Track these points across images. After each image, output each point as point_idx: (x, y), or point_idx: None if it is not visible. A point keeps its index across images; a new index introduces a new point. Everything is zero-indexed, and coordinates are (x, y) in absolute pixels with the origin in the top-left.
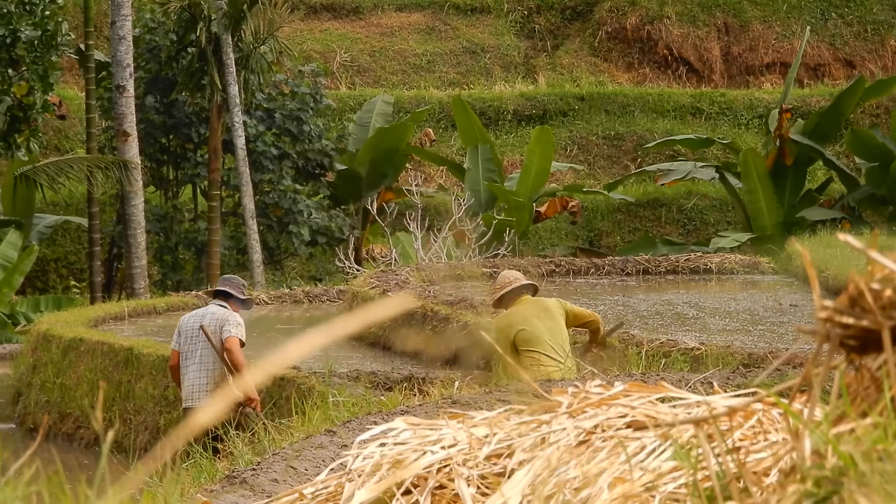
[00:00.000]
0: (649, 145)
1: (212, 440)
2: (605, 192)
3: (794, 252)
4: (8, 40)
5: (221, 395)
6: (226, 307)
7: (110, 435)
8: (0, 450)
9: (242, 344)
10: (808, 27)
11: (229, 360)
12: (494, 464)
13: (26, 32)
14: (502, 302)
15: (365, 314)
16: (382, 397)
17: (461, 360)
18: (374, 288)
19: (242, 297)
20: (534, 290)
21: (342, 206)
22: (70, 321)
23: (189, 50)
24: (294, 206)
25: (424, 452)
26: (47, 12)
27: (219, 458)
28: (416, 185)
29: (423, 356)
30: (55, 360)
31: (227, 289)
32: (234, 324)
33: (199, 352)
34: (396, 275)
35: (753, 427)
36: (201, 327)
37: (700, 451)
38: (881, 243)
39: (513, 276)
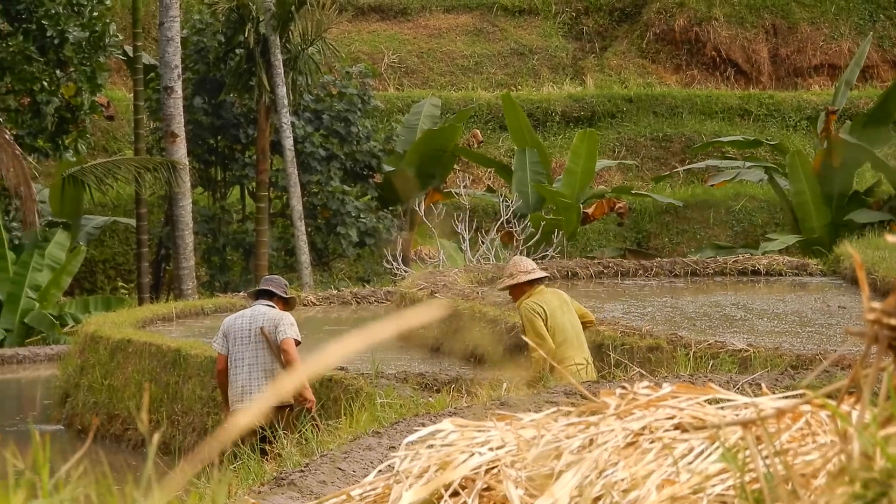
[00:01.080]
0: (696, 146)
1: (259, 441)
2: (653, 196)
3: (842, 254)
4: (56, 41)
5: (270, 395)
6: (273, 307)
7: (156, 436)
8: (48, 451)
9: (298, 343)
10: (871, 32)
11: (285, 360)
12: (542, 465)
13: (74, 34)
14: (518, 289)
15: (401, 319)
16: (430, 399)
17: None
18: (421, 289)
19: (286, 296)
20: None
21: (390, 208)
22: (118, 322)
23: (237, 51)
24: (342, 208)
25: (472, 454)
26: (95, 13)
27: (267, 459)
28: (463, 187)
29: (471, 357)
30: (103, 362)
31: (271, 288)
32: (287, 324)
33: (254, 354)
34: (444, 276)
35: (801, 429)
36: (261, 329)
37: (748, 453)
38: None
39: (531, 265)
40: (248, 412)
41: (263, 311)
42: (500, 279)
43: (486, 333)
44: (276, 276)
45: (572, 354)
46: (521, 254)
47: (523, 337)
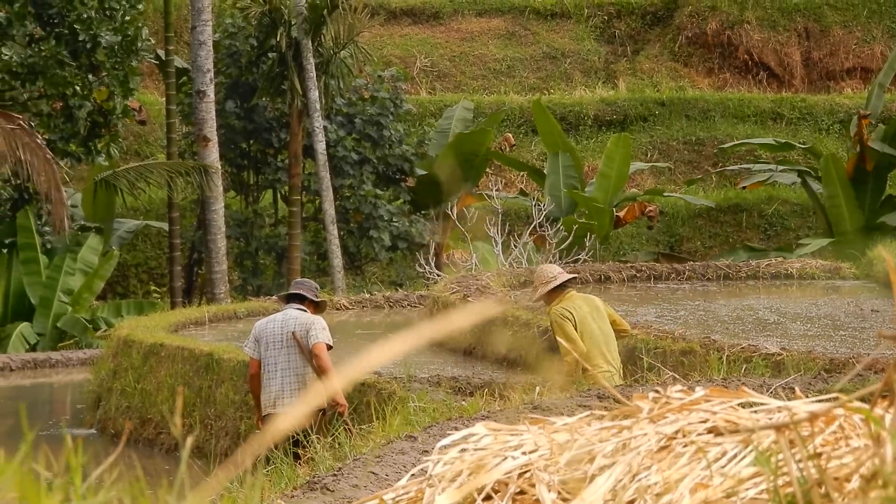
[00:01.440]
0: (726, 145)
1: (292, 445)
2: (685, 197)
3: (875, 257)
4: (88, 46)
5: (305, 400)
6: (305, 310)
7: (190, 440)
8: (80, 455)
9: (330, 347)
10: None
11: (317, 365)
12: (575, 469)
13: (107, 38)
14: (548, 296)
15: (450, 320)
16: (463, 402)
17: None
18: (454, 293)
19: (317, 299)
20: (575, 284)
21: (422, 211)
22: (150, 326)
23: (269, 55)
24: (374, 212)
25: (505, 458)
26: (127, 18)
27: (299, 463)
28: (496, 190)
29: (503, 361)
30: (136, 366)
31: (302, 291)
32: (319, 328)
33: (286, 358)
34: (477, 280)
35: (835, 432)
36: (293, 334)
37: (781, 456)
38: None
39: (556, 270)
40: (287, 418)
41: (295, 316)
42: (531, 287)
43: (518, 337)
44: (307, 280)
45: (600, 362)
46: (553, 258)
47: (559, 340)
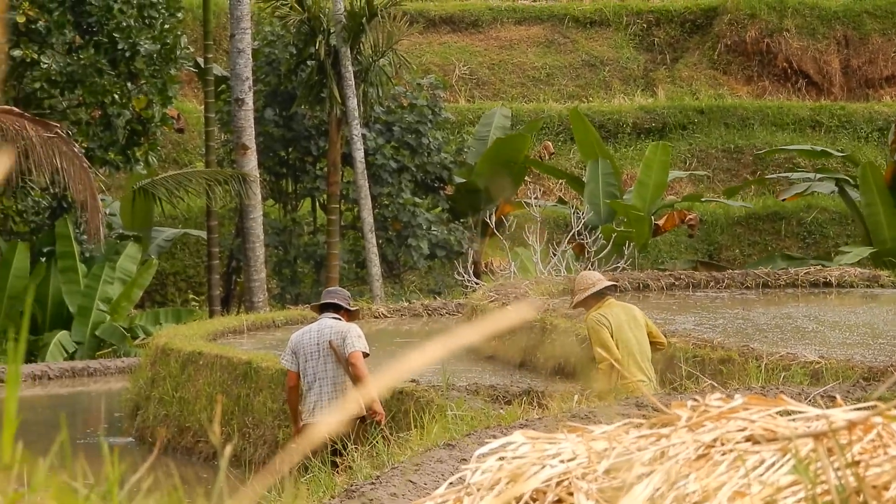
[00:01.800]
0: (765, 151)
1: (330, 454)
2: (724, 201)
3: None
4: (127, 54)
5: (342, 408)
6: (340, 319)
7: (228, 449)
8: (118, 464)
9: (366, 355)
10: None
11: (353, 373)
12: (613, 478)
13: (145, 46)
14: (586, 303)
15: (485, 325)
16: (501, 411)
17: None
18: (492, 301)
19: (351, 307)
20: (615, 291)
21: (461, 220)
22: (188, 335)
23: (308, 63)
24: (413, 220)
25: (543, 466)
26: (166, 26)
27: (337, 471)
28: (534, 199)
29: (541, 369)
30: (174, 374)
31: (336, 300)
32: (355, 336)
33: (324, 368)
34: (515, 288)
35: (873, 441)
36: (330, 343)
37: (819, 465)
38: None
39: (595, 277)
40: (325, 426)
41: (330, 325)
42: (571, 294)
43: (557, 345)
44: (338, 288)
45: (634, 370)
46: (591, 266)
47: (594, 346)
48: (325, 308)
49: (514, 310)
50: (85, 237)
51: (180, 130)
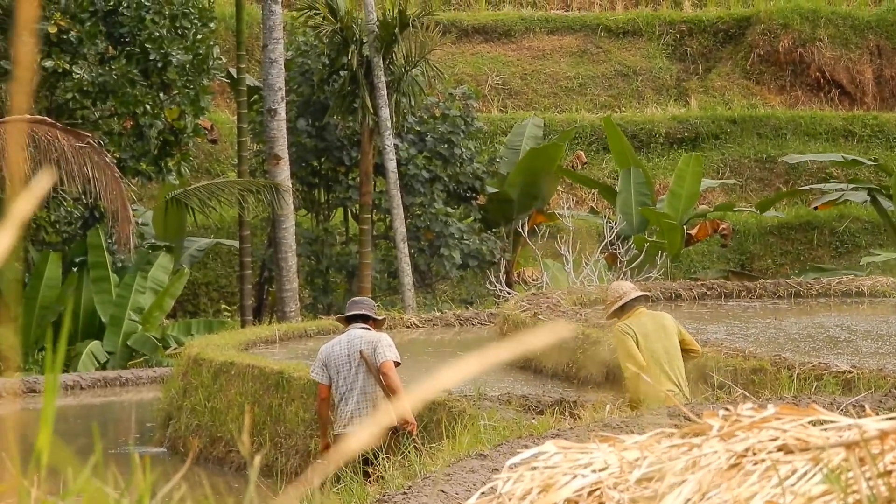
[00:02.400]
0: (796, 161)
1: (362, 464)
2: (756, 211)
3: None
4: (159, 64)
5: (376, 419)
6: (368, 329)
7: (258, 459)
8: (149, 473)
9: (397, 364)
10: None
11: (385, 383)
12: (645, 487)
13: (178, 56)
14: (618, 313)
15: (521, 342)
16: (533, 421)
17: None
18: (524, 311)
19: (377, 316)
20: (646, 302)
21: (493, 230)
22: (220, 344)
23: (341, 73)
24: (445, 230)
25: (575, 476)
26: (199, 36)
27: (369, 481)
28: (567, 208)
29: (573, 379)
30: (206, 384)
31: (363, 311)
32: (386, 345)
33: (355, 379)
34: (547, 298)
35: None
36: (361, 353)
37: (851, 474)
38: None
39: (627, 287)
40: (357, 438)
41: (360, 335)
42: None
43: (589, 355)
44: (364, 298)
45: (663, 380)
46: (623, 276)
47: (620, 359)
48: (352, 319)
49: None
50: (117, 247)
51: (213, 141)
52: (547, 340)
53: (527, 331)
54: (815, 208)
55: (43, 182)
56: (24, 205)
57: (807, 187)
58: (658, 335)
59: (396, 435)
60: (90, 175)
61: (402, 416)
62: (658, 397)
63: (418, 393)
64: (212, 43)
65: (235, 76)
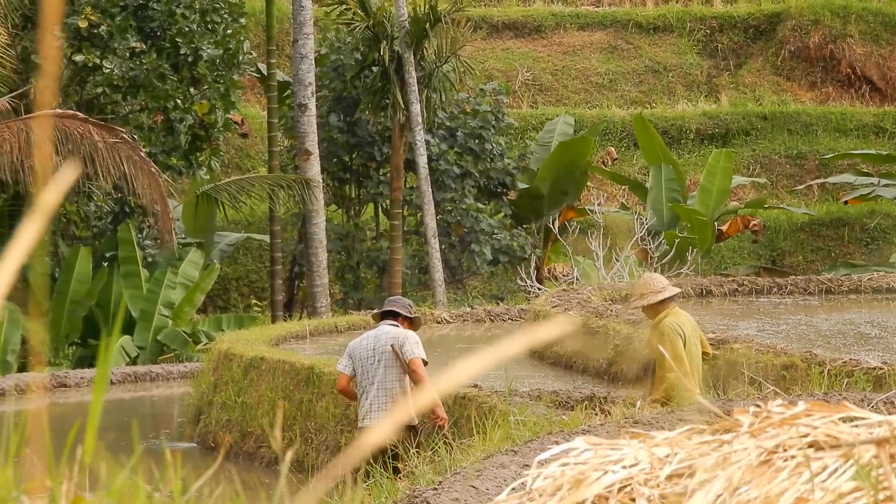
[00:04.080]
0: (828, 156)
1: (392, 459)
2: (787, 208)
3: None
4: (190, 59)
5: (394, 414)
6: (398, 326)
7: (289, 454)
8: (180, 468)
9: (425, 363)
10: None
11: (413, 380)
12: (675, 483)
13: (208, 51)
14: (654, 308)
15: (528, 335)
16: (564, 417)
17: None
18: (555, 307)
19: (411, 315)
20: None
21: (524, 225)
22: (251, 340)
23: (372, 69)
24: (476, 225)
25: (605, 472)
26: (229, 31)
27: (399, 477)
28: (597, 204)
29: (605, 375)
30: (236, 379)
31: (395, 308)
32: (413, 342)
33: (378, 373)
34: (578, 294)
35: None
36: (392, 347)
37: (882, 471)
38: None
39: (664, 281)
40: (378, 431)
41: (387, 331)
42: (632, 296)
43: (620, 351)
44: (400, 297)
45: (693, 385)
46: (654, 272)
47: (661, 350)
48: (384, 316)
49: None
50: (148, 242)
51: (244, 135)
52: (553, 333)
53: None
54: (846, 203)
55: (69, 175)
56: (51, 197)
57: (837, 179)
58: (695, 335)
59: (423, 430)
60: (125, 170)
61: (433, 410)
62: (690, 401)
63: (437, 387)
64: (242, 38)
65: (266, 71)
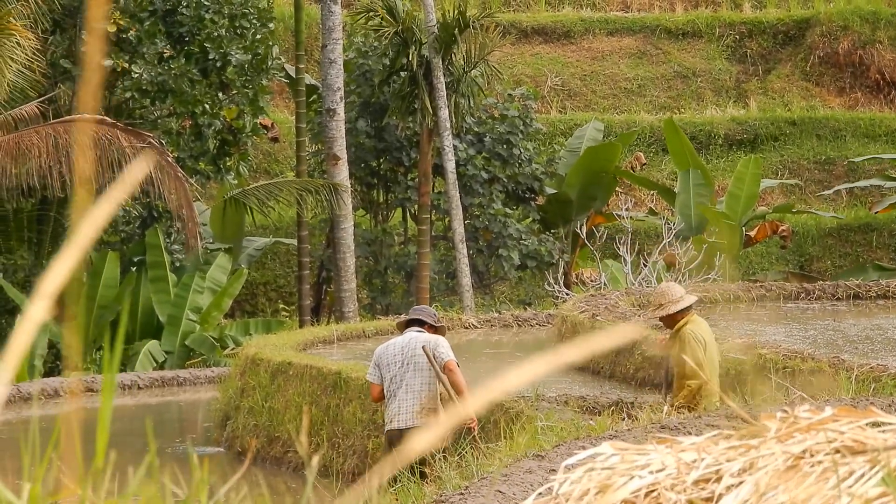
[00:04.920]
0: (857, 159)
1: (419, 464)
2: (815, 212)
3: None
4: (218, 64)
5: (441, 421)
6: (423, 332)
7: (315, 459)
8: (206, 473)
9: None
10: None
11: (451, 381)
12: (702, 489)
13: (237, 56)
14: (672, 317)
15: (588, 343)
16: (591, 422)
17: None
18: (583, 312)
19: (436, 324)
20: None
21: (552, 230)
22: (278, 344)
23: (400, 74)
24: (504, 230)
25: (632, 477)
26: (258, 36)
27: (426, 482)
28: (625, 209)
29: (632, 380)
30: (263, 384)
31: (420, 317)
32: (445, 346)
33: (406, 376)
34: (606, 299)
35: None
36: (424, 349)
37: None
38: None
39: (679, 292)
40: (423, 439)
41: (416, 336)
42: (650, 305)
43: (647, 356)
44: (425, 307)
45: (716, 390)
46: (683, 277)
47: (683, 358)
48: (410, 324)
49: (618, 330)
50: (176, 247)
51: (275, 139)
52: (614, 343)
53: (588, 333)
54: (876, 213)
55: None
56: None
57: (866, 183)
58: (713, 344)
59: (458, 434)
60: (152, 175)
61: (467, 413)
62: (713, 408)
63: (484, 394)
64: (271, 43)
65: (294, 75)
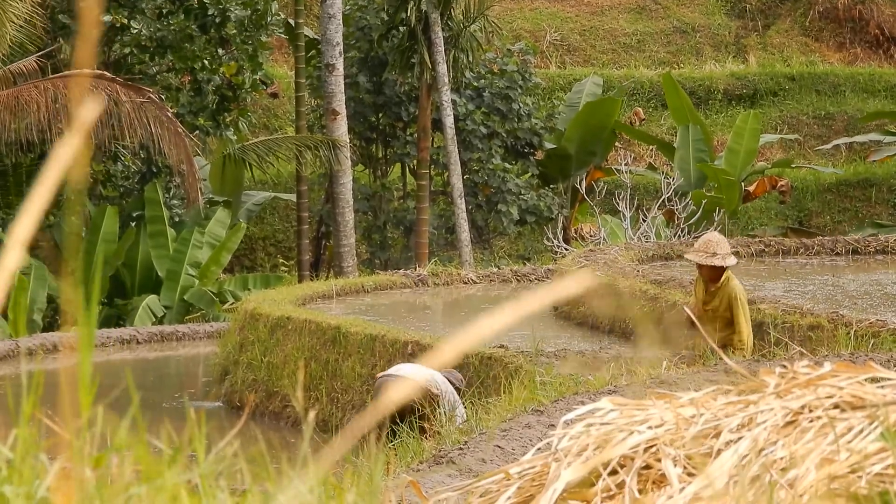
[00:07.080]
0: (860, 118)
1: (418, 419)
2: (814, 167)
3: None
4: (217, 20)
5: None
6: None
7: (312, 414)
8: (204, 427)
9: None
10: None
11: None
12: (701, 444)
13: (236, 12)
14: (720, 269)
15: (549, 291)
16: (590, 377)
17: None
18: (582, 267)
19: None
20: None
21: (551, 185)
22: (277, 299)
23: (399, 29)
24: (503, 185)
25: (631, 432)
26: None
27: (426, 437)
28: (625, 165)
29: (631, 335)
30: (262, 339)
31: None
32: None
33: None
34: (605, 254)
35: None
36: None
37: None
38: None
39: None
40: (399, 390)
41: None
42: (701, 251)
43: (646, 311)
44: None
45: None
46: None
47: (741, 318)
48: None
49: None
50: (175, 202)
51: (274, 95)
52: (574, 289)
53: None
54: (874, 162)
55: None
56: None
57: (865, 138)
58: None
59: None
60: (152, 130)
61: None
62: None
63: (454, 345)
64: None
65: (294, 30)
